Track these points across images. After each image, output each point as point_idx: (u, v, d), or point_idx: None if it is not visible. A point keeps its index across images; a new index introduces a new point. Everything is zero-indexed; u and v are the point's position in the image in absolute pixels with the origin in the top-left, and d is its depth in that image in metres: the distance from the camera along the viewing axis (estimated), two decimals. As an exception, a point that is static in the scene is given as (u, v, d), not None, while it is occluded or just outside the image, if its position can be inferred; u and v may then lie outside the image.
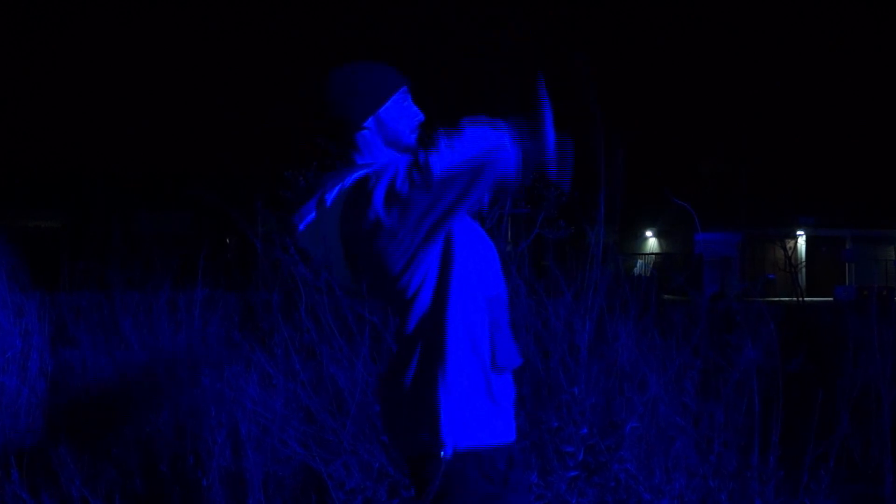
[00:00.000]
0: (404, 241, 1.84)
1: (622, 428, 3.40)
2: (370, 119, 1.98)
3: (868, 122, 46.64)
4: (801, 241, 31.57)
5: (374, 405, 3.41)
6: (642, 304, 3.77)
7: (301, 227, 2.02)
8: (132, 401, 4.91)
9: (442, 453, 1.82)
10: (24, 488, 3.47)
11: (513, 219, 4.05)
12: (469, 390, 1.87)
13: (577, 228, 3.91)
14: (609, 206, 3.70)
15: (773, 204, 30.15)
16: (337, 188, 1.95)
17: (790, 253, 27.17)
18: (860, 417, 4.21)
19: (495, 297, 1.97)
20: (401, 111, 2.02)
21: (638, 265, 23.26)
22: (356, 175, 1.94)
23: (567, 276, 3.73)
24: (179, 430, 4.35)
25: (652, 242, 35.24)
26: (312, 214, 2.00)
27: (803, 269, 29.63)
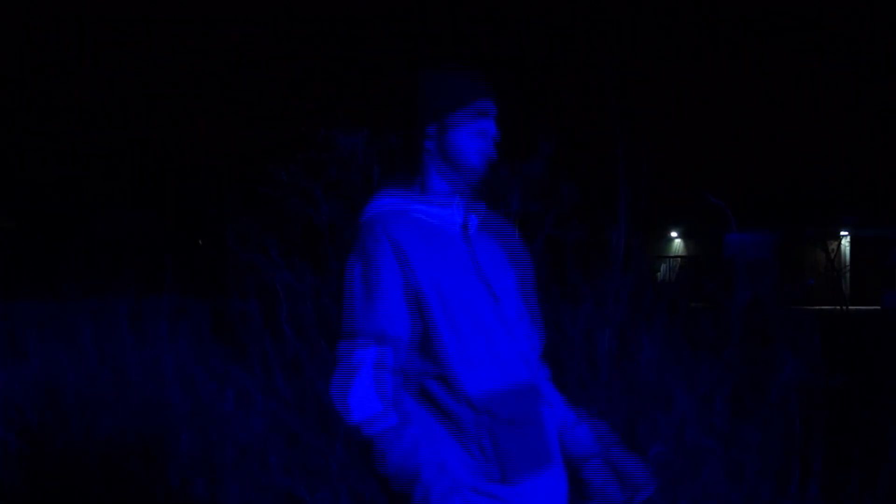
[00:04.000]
0: None
1: (645, 452, 3.39)
2: (432, 126, 1.94)
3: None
4: (845, 243, 31.56)
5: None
6: (668, 313, 3.75)
7: None
8: (94, 424, 4.89)
9: None
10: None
11: (519, 218, 4.04)
12: None
13: (595, 228, 3.90)
14: (632, 204, 3.69)
15: (813, 201, 30.12)
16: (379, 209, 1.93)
17: (832, 255, 27.16)
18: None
19: None
20: (471, 127, 1.95)
21: (662, 269, 23.26)
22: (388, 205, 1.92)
23: (585, 281, 3.72)
24: (147, 457, 4.34)
25: (677, 244, 35.24)
26: None
27: (847, 274, 29.62)
